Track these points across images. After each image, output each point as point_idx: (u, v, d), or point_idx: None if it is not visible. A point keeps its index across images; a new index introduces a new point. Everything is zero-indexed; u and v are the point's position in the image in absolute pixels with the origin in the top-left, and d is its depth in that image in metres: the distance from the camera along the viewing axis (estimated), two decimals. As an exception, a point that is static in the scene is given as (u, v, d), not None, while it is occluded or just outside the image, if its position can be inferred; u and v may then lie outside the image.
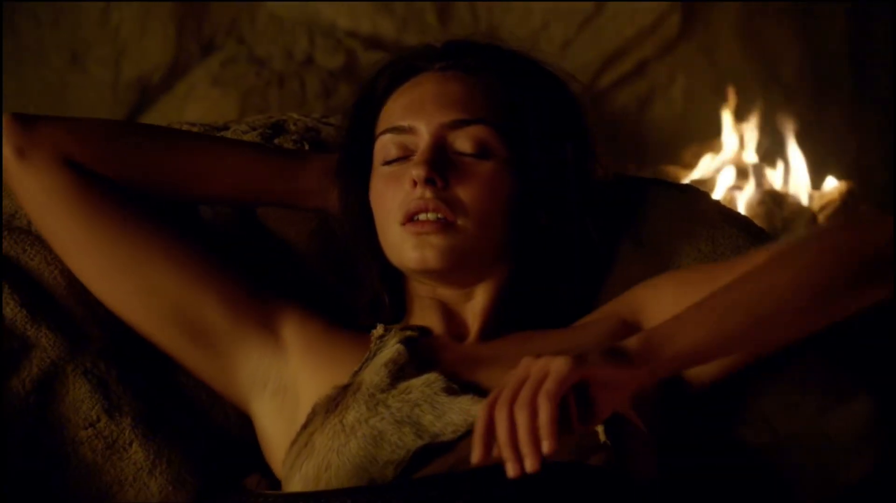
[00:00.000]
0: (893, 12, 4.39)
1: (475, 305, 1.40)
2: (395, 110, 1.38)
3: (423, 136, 1.34)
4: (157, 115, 3.80)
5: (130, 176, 1.41)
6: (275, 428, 1.36)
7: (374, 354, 1.34)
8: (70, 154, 1.37)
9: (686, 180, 3.71)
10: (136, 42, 3.86)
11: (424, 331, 1.39)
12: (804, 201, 3.97)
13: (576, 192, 1.41)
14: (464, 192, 1.33)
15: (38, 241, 1.40)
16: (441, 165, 1.32)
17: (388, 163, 1.36)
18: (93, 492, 1.32)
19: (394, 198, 1.34)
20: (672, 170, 3.94)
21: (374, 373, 1.28)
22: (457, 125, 1.34)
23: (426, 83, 1.38)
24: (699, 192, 1.67)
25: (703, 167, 4.02)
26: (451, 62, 1.39)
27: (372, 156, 1.40)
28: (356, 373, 1.32)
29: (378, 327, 1.38)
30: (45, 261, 1.39)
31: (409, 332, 1.36)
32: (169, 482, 1.32)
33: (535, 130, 1.37)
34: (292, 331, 1.39)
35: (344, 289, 1.51)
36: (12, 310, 1.33)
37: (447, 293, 1.39)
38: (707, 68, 4.22)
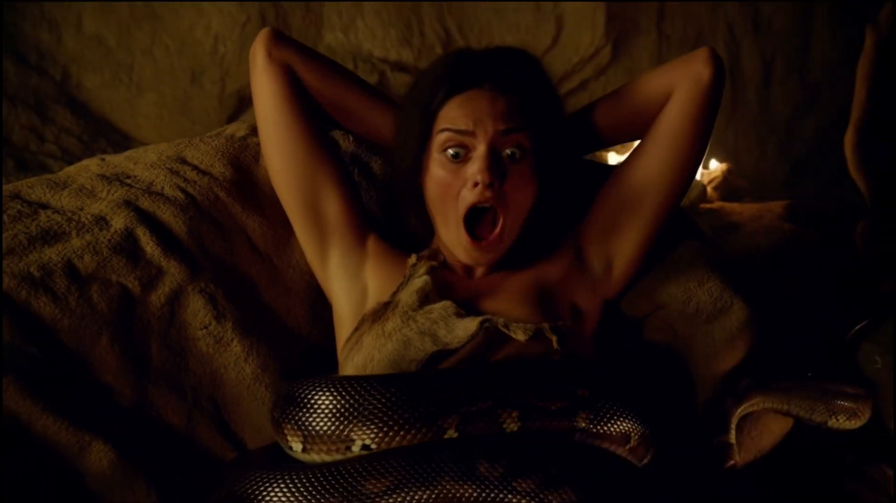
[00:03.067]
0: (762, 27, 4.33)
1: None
2: (456, 115, 1.27)
3: (480, 141, 1.25)
4: (250, 118, 3.77)
5: (328, 100, 1.42)
6: (346, 308, 1.37)
7: (408, 279, 1.34)
8: (296, 68, 1.39)
9: (611, 161, 3.70)
10: (236, 66, 3.83)
11: (444, 264, 1.38)
12: (697, 177, 3.94)
13: (567, 169, 1.40)
14: (511, 190, 1.28)
15: (169, 201, 1.39)
16: (496, 170, 1.25)
17: (445, 151, 1.28)
18: (207, 373, 1.32)
19: (452, 185, 1.28)
20: (607, 155, 3.93)
21: (409, 295, 1.29)
22: (505, 133, 1.26)
23: (481, 99, 1.27)
24: None
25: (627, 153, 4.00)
26: (499, 83, 1.29)
27: (426, 139, 1.31)
28: (395, 293, 1.32)
29: (412, 256, 1.37)
30: (173, 214, 1.38)
31: (433, 263, 1.36)
32: (259, 367, 1.33)
33: (550, 128, 1.33)
34: (373, 245, 1.40)
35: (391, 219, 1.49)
36: (152, 248, 1.33)
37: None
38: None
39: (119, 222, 1.34)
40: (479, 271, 1.37)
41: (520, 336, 1.21)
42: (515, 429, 1.07)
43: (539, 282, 1.35)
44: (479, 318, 1.23)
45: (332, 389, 1.07)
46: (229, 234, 1.42)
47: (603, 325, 1.40)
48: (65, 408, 1.17)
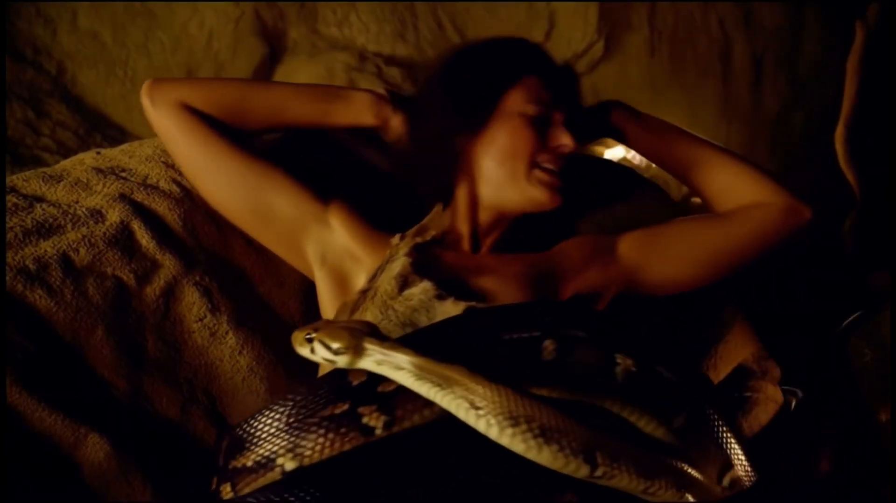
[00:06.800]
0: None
1: (504, 227, 1.40)
2: (539, 90, 1.34)
3: (559, 118, 1.34)
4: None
5: (228, 113, 1.38)
6: (329, 293, 1.34)
7: (388, 262, 1.30)
8: (186, 100, 1.36)
9: (607, 154, 3.70)
10: (230, 62, 3.82)
11: (436, 241, 1.36)
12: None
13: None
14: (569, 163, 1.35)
15: (164, 194, 1.39)
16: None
17: (531, 116, 1.33)
18: (202, 365, 1.32)
19: (531, 145, 1.33)
20: (599, 148, 3.93)
21: (387, 282, 1.26)
22: (570, 116, 1.35)
23: (554, 84, 1.37)
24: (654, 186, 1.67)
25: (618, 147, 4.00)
26: (560, 75, 1.39)
27: (493, 104, 1.35)
28: (373, 279, 1.29)
29: (396, 237, 1.35)
30: (168, 208, 1.37)
31: (417, 240, 1.34)
32: (253, 359, 1.33)
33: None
34: (338, 222, 1.35)
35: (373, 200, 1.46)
36: (147, 242, 1.33)
37: (508, 215, 1.39)
38: (620, 80, 4.20)
39: (114, 215, 1.33)
40: (487, 244, 1.38)
41: None
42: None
43: (542, 268, 1.34)
44: (463, 305, 1.20)
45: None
46: (223, 228, 1.41)
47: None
48: (60, 401, 1.16)
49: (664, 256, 1.37)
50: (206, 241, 1.38)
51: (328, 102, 1.42)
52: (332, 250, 1.35)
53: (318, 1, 3.98)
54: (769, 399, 1.48)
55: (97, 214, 1.34)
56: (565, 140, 1.34)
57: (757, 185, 1.38)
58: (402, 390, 0.95)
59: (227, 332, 1.33)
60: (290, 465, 0.96)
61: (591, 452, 0.89)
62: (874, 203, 2.58)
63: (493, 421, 0.88)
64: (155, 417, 1.26)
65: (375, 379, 0.96)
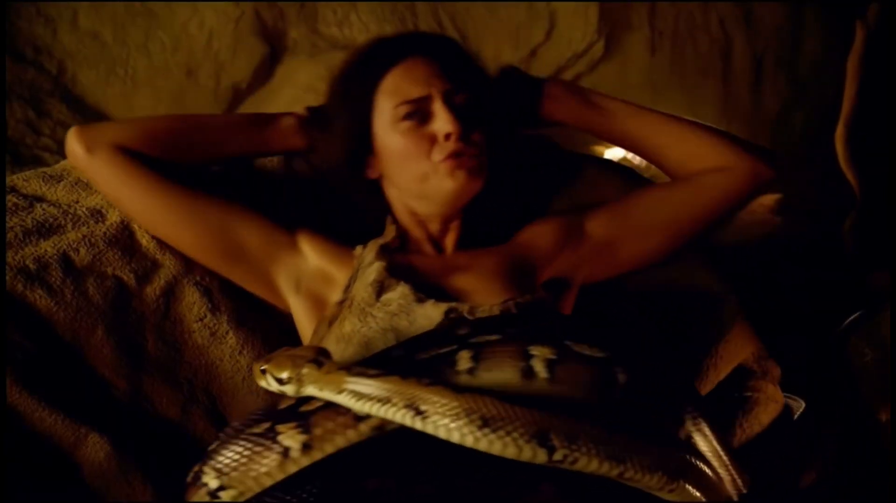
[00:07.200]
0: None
1: (456, 225, 1.35)
2: (404, 86, 1.27)
3: (436, 99, 1.26)
4: (247, 109, 3.80)
5: (165, 151, 1.31)
6: (307, 318, 1.31)
7: (358, 270, 1.27)
8: (122, 142, 1.29)
9: (608, 154, 3.70)
10: (230, 61, 3.82)
11: (401, 245, 1.33)
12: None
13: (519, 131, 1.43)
14: (475, 136, 1.28)
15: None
16: (462, 122, 1.25)
17: (405, 120, 1.26)
18: (202, 365, 1.32)
19: (420, 146, 1.26)
20: (600, 148, 3.93)
21: (363, 290, 1.21)
22: (454, 91, 1.27)
23: (418, 66, 1.28)
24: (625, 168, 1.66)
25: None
26: (427, 52, 1.30)
27: (367, 121, 1.30)
28: (347, 289, 1.26)
29: (357, 248, 1.32)
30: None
31: (382, 242, 1.30)
32: (253, 359, 1.31)
33: (483, 86, 1.34)
34: (307, 245, 1.32)
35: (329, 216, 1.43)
36: (147, 241, 1.33)
37: (445, 215, 1.33)
38: (620, 80, 4.19)
39: (114, 215, 1.33)
40: (450, 244, 1.35)
41: None
42: None
43: (514, 257, 1.31)
44: (444, 307, 1.16)
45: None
46: (224, 228, 1.40)
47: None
48: (60, 401, 1.17)
49: (633, 228, 1.37)
50: (205, 240, 1.37)
51: (259, 131, 1.38)
52: (306, 275, 1.32)
53: (319, 1, 3.98)
54: (769, 399, 1.47)
55: (97, 214, 1.33)
56: (446, 126, 1.24)
57: (717, 150, 1.37)
58: (324, 408, 0.94)
59: (227, 332, 1.32)
60: (213, 483, 0.94)
61: (545, 435, 0.86)
62: (874, 203, 2.58)
63: (438, 421, 0.87)
64: (155, 417, 1.26)
65: (303, 399, 0.96)
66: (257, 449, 0.93)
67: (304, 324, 1.31)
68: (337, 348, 1.17)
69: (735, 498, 1.00)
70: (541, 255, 1.33)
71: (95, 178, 1.32)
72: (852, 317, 1.63)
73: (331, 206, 1.43)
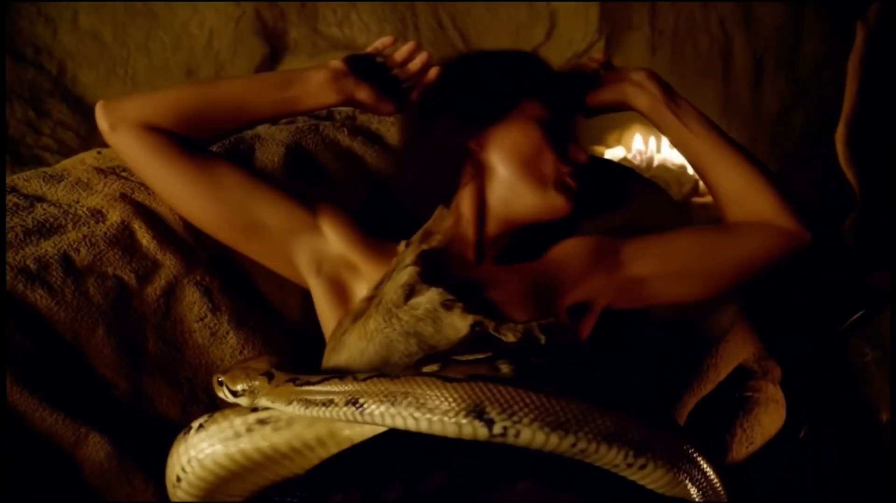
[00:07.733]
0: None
1: (508, 236, 1.36)
2: (547, 103, 1.35)
3: (571, 129, 1.40)
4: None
5: (191, 122, 1.29)
6: (327, 303, 1.29)
7: (395, 269, 1.24)
8: (147, 118, 1.27)
9: (608, 154, 3.70)
10: (231, 61, 3.82)
11: (442, 251, 1.29)
12: (690, 171, 3.94)
13: None
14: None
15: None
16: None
17: (543, 122, 1.33)
18: (203, 365, 1.32)
19: (547, 155, 1.32)
20: (600, 148, 3.92)
21: (393, 291, 1.18)
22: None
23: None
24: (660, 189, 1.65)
25: (635, 146, 3.98)
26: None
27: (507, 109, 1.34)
28: (378, 286, 1.24)
29: (401, 244, 1.29)
30: (168, 207, 1.37)
31: (423, 247, 1.27)
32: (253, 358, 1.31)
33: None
34: (331, 229, 1.30)
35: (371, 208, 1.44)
36: (148, 241, 1.32)
37: (519, 223, 1.35)
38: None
39: (115, 215, 1.33)
40: (491, 255, 1.34)
41: (510, 338, 1.12)
42: None
43: (544, 276, 1.28)
44: (471, 319, 1.12)
45: None
46: (225, 227, 1.40)
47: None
48: (60, 401, 1.16)
49: (670, 270, 1.34)
50: (206, 240, 1.37)
51: (287, 89, 1.33)
52: (328, 259, 1.30)
53: (319, 1, 3.98)
54: (770, 399, 1.47)
55: (98, 214, 1.33)
56: (582, 155, 1.36)
57: (769, 202, 1.35)
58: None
59: (227, 332, 1.32)
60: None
61: (479, 409, 0.83)
62: (874, 203, 2.58)
63: (375, 409, 0.88)
64: (155, 417, 1.26)
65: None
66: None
67: (323, 307, 1.30)
68: (358, 344, 1.15)
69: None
70: (570, 277, 1.29)
71: (122, 152, 1.32)
72: (852, 318, 1.63)
73: (368, 198, 1.46)
